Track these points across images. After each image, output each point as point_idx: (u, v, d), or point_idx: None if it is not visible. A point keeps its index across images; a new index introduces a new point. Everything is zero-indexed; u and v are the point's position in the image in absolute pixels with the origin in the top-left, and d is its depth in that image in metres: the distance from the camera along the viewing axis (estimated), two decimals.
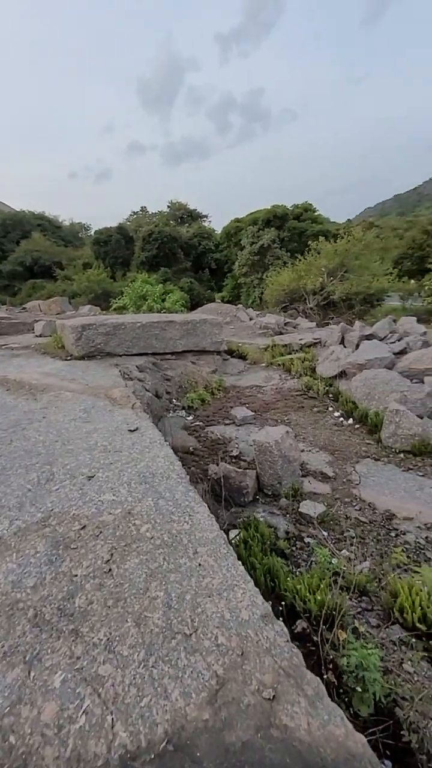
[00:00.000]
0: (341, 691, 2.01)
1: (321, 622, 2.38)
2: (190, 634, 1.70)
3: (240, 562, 2.16)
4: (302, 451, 5.52)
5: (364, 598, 2.90)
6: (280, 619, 2.46)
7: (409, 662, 2.22)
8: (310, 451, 5.53)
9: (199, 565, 2.11)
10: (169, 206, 61.09)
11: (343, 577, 3.11)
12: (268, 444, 4.36)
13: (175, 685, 1.51)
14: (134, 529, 2.35)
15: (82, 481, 2.92)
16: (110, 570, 2.04)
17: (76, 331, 7.58)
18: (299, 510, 4.11)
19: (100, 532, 2.33)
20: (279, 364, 9.41)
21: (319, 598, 2.45)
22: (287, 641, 1.72)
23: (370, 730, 1.86)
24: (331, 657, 2.15)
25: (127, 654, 1.62)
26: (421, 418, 5.40)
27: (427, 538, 3.66)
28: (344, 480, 4.74)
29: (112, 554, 2.15)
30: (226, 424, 6.54)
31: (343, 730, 1.37)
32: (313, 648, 2.28)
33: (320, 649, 2.22)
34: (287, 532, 3.80)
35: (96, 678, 1.53)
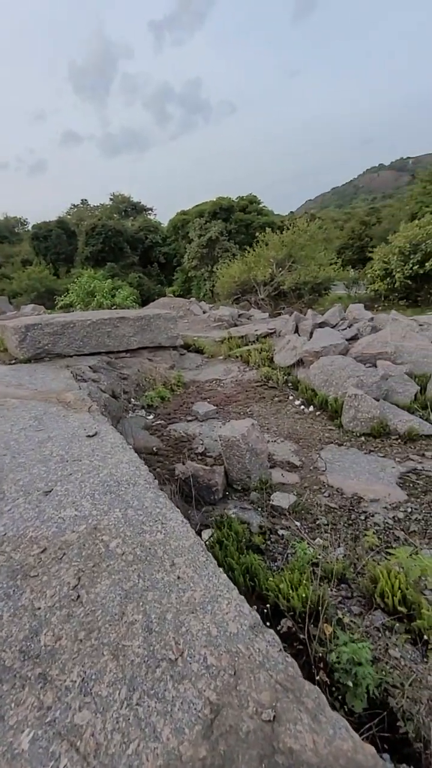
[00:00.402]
0: (334, 689, 1.94)
1: (307, 618, 2.31)
2: (176, 659, 1.54)
3: (221, 569, 2.03)
4: (268, 442, 5.50)
5: (342, 585, 2.89)
6: (267, 623, 2.37)
7: (395, 647, 2.22)
8: (275, 441, 5.52)
9: (178, 578, 1.94)
10: (111, 199, 59.03)
11: (321, 567, 3.09)
12: (234, 438, 4.26)
13: (165, 722, 1.34)
14: (102, 547, 2.13)
15: (38, 497, 2.63)
16: (78, 597, 1.82)
17: (20, 332, 7.00)
18: (270, 503, 4.06)
19: (64, 554, 2.08)
20: (237, 356, 9.36)
21: (302, 594, 2.38)
22: (280, 650, 1.61)
23: (366, 726, 1.81)
24: (320, 654, 2.08)
25: (106, 694, 1.43)
26: (378, 401, 5.57)
27: (394, 517, 3.75)
28: (311, 468, 4.77)
29: (79, 578, 1.92)
30: (188, 421, 6.37)
31: (351, 744, 1.28)
32: (301, 647, 2.21)
33: (308, 647, 2.15)
34: (261, 527, 3.73)
35: (72, 729, 1.33)
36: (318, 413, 6.20)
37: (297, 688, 1.46)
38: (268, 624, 2.38)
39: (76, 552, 2.09)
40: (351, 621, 2.41)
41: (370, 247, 24.67)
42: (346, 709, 1.87)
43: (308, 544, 3.50)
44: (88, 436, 3.71)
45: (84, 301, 17.23)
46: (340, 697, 1.91)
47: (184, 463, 4.37)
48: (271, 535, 3.67)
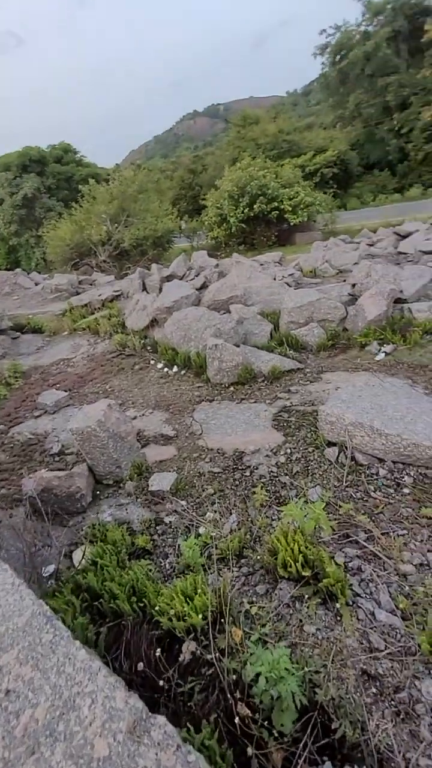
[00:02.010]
0: (257, 713, 1.56)
1: (211, 630, 1.87)
2: None
3: (78, 645, 1.38)
4: (134, 418, 4.85)
5: (242, 561, 2.57)
6: (159, 649, 1.86)
7: (309, 621, 1.97)
8: (143, 415, 4.91)
9: (7, 693, 1.22)
10: None
11: (216, 547, 2.73)
12: (89, 428, 3.48)
13: None
14: None
15: None
16: None
17: None
18: (149, 489, 3.51)
19: None
20: (84, 328, 8.19)
21: (200, 603, 1.92)
22: (176, 749, 1.09)
23: (302, 743, 1.48)
24: (234, 676, 1.67)
25: None
26: (238, 346, 5.38)
27: (277, 463, 3.62)
28: (187, 434, 4.35)
29: None
30: (36, 417, 5.24)
31: None
32: (211, 670, 1.77)
33: (218, 668, 1.72)
34: (143, 522, 3.17)
35: None
36: (183, 373, 5.76)
37: None
38: (165, 653, 1.88)
39: None
40: (259, 608, 2.08)
41: (202, 196, 24.57)
42: (275, 734, 1.51)
43: (198, 523, 3.11)
44: None
45: None
46: (266, 723, 1.53)
47: (30, 476, 3.43)
48: (157, 527, 3.15)
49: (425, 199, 26.87)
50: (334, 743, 1.49)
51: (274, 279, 7.94)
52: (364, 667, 1.74)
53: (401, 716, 1.58)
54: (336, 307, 6.00)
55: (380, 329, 5.56)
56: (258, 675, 1.55)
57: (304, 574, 2.12)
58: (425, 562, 2.38)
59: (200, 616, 1.92)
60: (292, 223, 17.23)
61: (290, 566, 2.13)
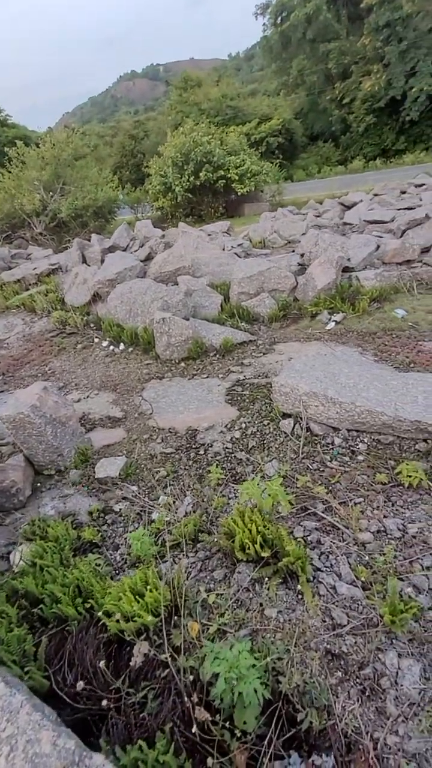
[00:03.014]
0: (218, 714, 1.42)
1: (165, 627, 1.70)
2: None
3: (16, 681, 1.13)
4: (77, 401, 4.47)
5: (198, 545, 2.42)
6: (109, 655, 1.66)
7: (269, 604, 1.85)
8: (88, 397, 4.54)
9: None
10: None
11: (170, 533, 2.55)
12: (22, 415, 3.10)
13: None
14: None
15: None
16: None
17: None
18: (96, 477, 3.23)
19: None
20: (18, 306, 7.45)
21: (151, 600, 1.73)
22: None
23: (266, 739, 1.36)
24: (192, 676, 1.51)
25: None
26: (187, 320, 5.09)
27: (232, 439, 3.47)
28: (136, 415, 4.07)
29: None
30: None
31: None
32: (166, 672, 1.60)
33: (172, 669, 1.55)
34: (91, 512, 2.91)
35: None
36: (131, 350, 5.40)
37: None
38: (114, 659, 1.68)
39: None
40: (217, 596, 1.94)
41: (145, 164, 23.22)
42: (238, 734, 1.37)
43: (151, 509, 2.90)
44: None
45: None
46: (227, 723, 1.40)
47: None
48: (106, 517, 2.91)
49: (367, 172, 27.35)
50: (301, 734, 1.38)
51: (223, 249, 7.64)
52: (328, 646, 1.66)
53: (367, 694, 1.51)
54: (286, 276, 5.86)
55: (330, 298, 5.52)
56: (217, 675, 1.40)
57: (263, 554, 1.99)
58: (382, 529, 2.35)
59: (152, 614, 1.73)
60: (239, 193, 16.76)
61: (248, 548, 2.00)
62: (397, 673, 1.56)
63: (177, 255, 6.66)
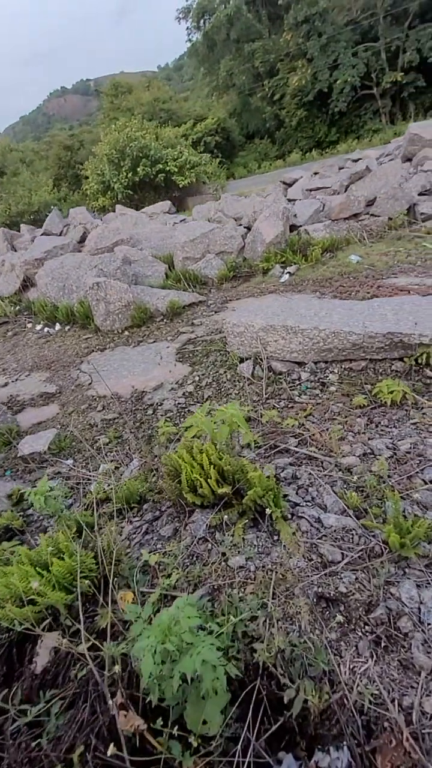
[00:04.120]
0: (160, 718, 0.88)
1: (84, 607, 1.15)
2: None
3: None
4: (4, 385, 3.80)
5: (144, 506, 1.87)
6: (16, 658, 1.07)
7: (234, 551, 1.34)
8: (16, 380, 3.87)
9: None
10: None
11: (109, 500, 1.98)
12: None
13: None
14: None
15: None
16: None
17: None
18: (20, 455, 2.61)
19: None
20: None
21: (60, 570, 1.17)
22: None
23: (241, 738, 0.83)
24: (120, 667, 0.96)
25: None
26: (129, 285, 4.54)
27: (185, 393, 2.95)
28: (73, 388, 3.46)
29: None
30: None
31: None
32: (85, 670, 1.04)
33: (90, 662, 1.00)
34: (10, 496, 2.29)
35: None
36: (67, 328, 4.77)
37: None
38: (9, 664, 1.11)
39: None
40: (163, 555, 1.39)
41: (82, 170, 22.54)
42: (193, 744, 0.84)
43: (89, 480, 2.32)
44: None
45: None
46: (177, 730, 0.86)
47: None
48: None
49: (305, 162, 27.92)
50: (293, 723, 0.87)
51: (165, 224, 7.15)
52: (320, 590, 1.16)
53: (382, 645, 1.02)
54: (232, 236, 5.45)
55: (281, 252, 5.15)
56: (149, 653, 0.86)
57: (220, 492, 1.47)
58: (368, 451, 1.91)
59: (64, 590, 1.17)
60: (181, 186, 16.40)
61: (201, 486, 1.47)
62: (419, 608, 1.09)
63: (113, 229, 6.11)
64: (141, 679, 0.98)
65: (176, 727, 0.87)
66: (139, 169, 15.74)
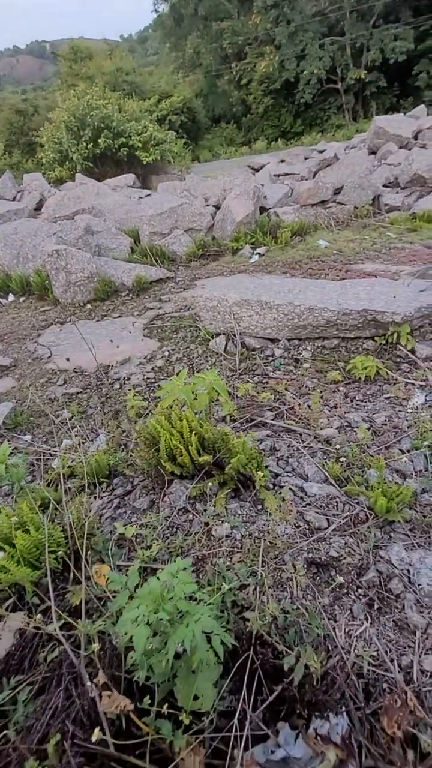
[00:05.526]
0: (147, 696, 0.79)
1: (53, 584, 1.02)
2: None
3: None
4: None
5: (117, 480, 1.74)
6: None
7: (218, 521, 1.26)
8: None
9: None
10: None
11: (74, 476, 1.82)
12: None
13: None
14: None
15: None
16: None
17: None
18: None
19: None
20: None
21: (24, 544, 1.03)
22: None
23: (236, 712, 0.76)
24: (98, 645, 0.86)
25: None
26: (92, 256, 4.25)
27: (154, 368, 2.81)
28: (30, 361, 3.20)
29: None
30: None
31: None
32: (57, 651, 0.93)
33: (64, 642, 0.89)
34: None
35: None
36: (22, 300, 4.41)
37: None
38: None
39: None
40: (140, 527, 1.29)
41: (35, 136, 21.00)
42: (185, 721, 0.76)
43: (50, 456, 2.14)
44: None
45: None
46: (165, 707, 0.77)
47: None
48: None
49: (271, 151, 27.91)
50: (293, 691, 0.81)
51: (129, 198, 6.81)
52: (310, 555, 1.12)
53: (376, 606, 1.00)
54: (201, 213, 5.28)
55: (251, 232, 5.07)
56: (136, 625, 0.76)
57: (201, 461, 1.38)
58: (346, 424, 1.90)
59: (30, 566, 1.03)
60: (145, 163, 15.74)
61: (181, 455, 1.37)
62: (409, 570, 1.08)
63: (74, 197, 5.70)
64: (122, 658, 0.88)
65: (165, 705, 0.78)
66: (100, 141, 14.89)
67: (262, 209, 5.88)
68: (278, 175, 9.00)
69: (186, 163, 18.80)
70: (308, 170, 7.14)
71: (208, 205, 6.52)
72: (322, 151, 13.38)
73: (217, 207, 6.02)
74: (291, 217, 5.44)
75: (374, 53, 26.73)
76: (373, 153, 8.27)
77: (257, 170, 11.68)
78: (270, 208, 5.94)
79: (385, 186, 6.49)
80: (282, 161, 12.80)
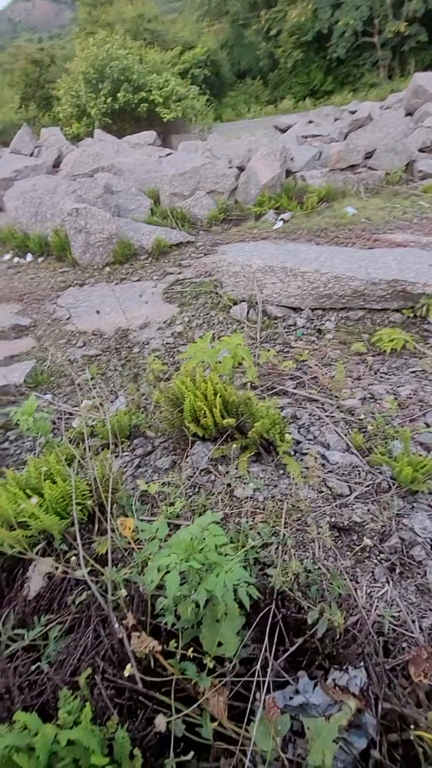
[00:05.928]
0: (173, 641, 0.82)
1: (81, 533, 1.05)
2: None
3: None
4: None
5: (137, 440, 1.76)
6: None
7: (240, 483, 1.27)
8: None
9: None
10: None
11: (94, 435, 1.85)
12: None
13: None
14: None
15: None
16: None
17: None
18: None
19: None
20: None
21: (53, 494, 1.05)
22: None
23: (259, 659, 0.79)
24: (125, 591, 0.89)
25: None
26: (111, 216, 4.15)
27: (173, 333, 2.78)
28: (49, 322, 3.20)
29: None
30: None
31: None
32: (84, 595, 0.97)
33: (93, 587, 0.92)
34: None
35: None
36: (41, 260, 4.36)
37: None
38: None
39: None
40: (162, 485, 1.31)
41: (53, 88, 20.13)
42: (209, 665, 0.79)
43: (71, 416, 2.17)
44: None
45: None
46: (191, 652, 0.80)
47: None
48: (7, 433, 2.14)
49: (299, 111, 26.34)
50: (315, 643, 0.83)
51: (150, 157, 6.55)
52: (333, 519, 1.12)
53: (398, 571, 1.00)
54: (224, 174, 5.06)
55: (275, 197, 4.85)
56: (167, 573, 0.78)
57: (224, 423, 1.38)
58: (369, 396, 1.87)
59: (58, 515, 1.06)
60: (165, 120, 15.03)
61: (204, 417, 1.37)
62: (431, 539, 1.07)
63: (93, 154, 5.51)
64: (147, 604, 0.91)
65: (190, 650, 0.81)
66: (119, 95, 14.23)
67: (288, 172, 5.61)
68: (306, 137, 8.53)
69: (208, 121, 17.93)
70: (339, 131, 6.73)
71: (231, 167, 6.24)
72: (353, 112, 12.56)
73: (241, 169, 5.75)
74: (318, 181, 5.18)
75: (416, 3, 24.40)
76: (410, 114, 7.71)
77: (284, 131, 11.10)
78: (296, 172, 5.66)
79: (420, 151, 6.09)
80: (310, 122, 12.08)
